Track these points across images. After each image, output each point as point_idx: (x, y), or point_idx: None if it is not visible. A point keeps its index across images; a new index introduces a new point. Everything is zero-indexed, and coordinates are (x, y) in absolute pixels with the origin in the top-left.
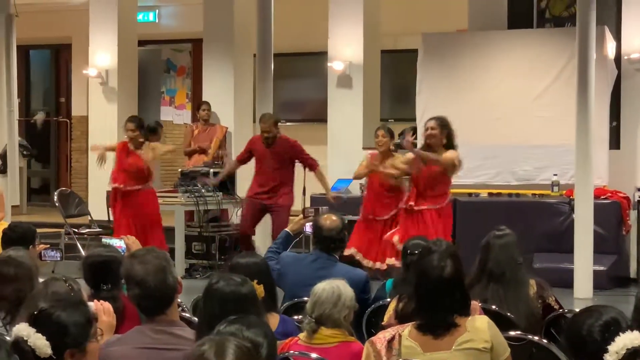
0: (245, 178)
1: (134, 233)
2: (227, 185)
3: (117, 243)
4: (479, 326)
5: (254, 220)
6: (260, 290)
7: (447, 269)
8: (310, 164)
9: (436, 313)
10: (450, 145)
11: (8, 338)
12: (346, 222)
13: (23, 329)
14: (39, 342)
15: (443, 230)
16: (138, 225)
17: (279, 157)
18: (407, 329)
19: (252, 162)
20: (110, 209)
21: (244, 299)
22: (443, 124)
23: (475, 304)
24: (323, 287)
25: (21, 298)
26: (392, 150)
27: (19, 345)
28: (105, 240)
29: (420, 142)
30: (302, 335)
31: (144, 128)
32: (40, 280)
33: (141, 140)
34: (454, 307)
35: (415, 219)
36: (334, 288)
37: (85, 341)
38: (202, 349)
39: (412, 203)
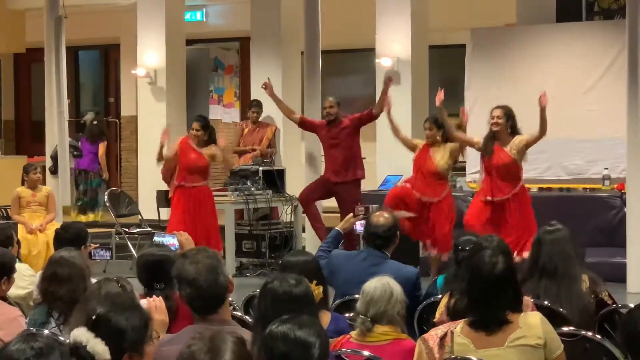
0: (294, 176)
1: (192, 230)
2: (276, 183)
3: (170, 240)
4: (531, 322)
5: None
6: (318, 291)
7: (498, 266)
8: (368, 115)
9: (489, 310)
10: (515, 133)
11: (62, 338)
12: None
13: (82, 334)
14: (99, 347)
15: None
16: (197, 221)
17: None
18: (459, 325)
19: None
20: (166, 207)
21: (297, 299)
22: (508, 113)
23: (528, 300)
24: (374, 285)
25: (74, 298)
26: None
27: (78, 350)
28: (158, 238)
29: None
30: (354, 333)
31: (209, 128)
32: (93, 280)
33: (205, 139)
34: (506, 303)
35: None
36: (384, 285)
37: (142, 344)
38: (192, 349)
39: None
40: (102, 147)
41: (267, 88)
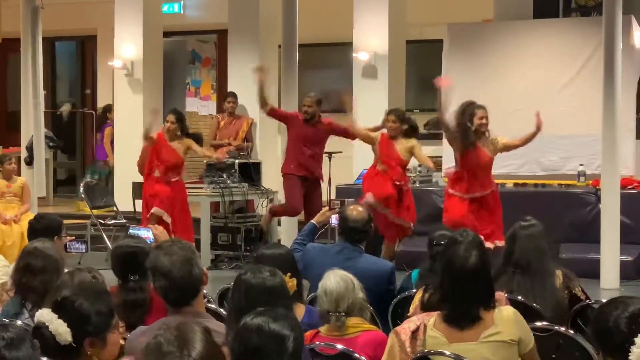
0: (270, 169)
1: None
2: (252, 176)
3: (145, 233)
4: (505, 318)
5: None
6: (292, 284)
7: (471, 259)
8: (345, 130)
9: (461, 303)
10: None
11: None
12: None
13: (45, 315)
14: (61, 328)
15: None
16: (170, 213)
17: (319, 137)
18: (433, 319)
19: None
20: (137, 198)
21: (270, 291)
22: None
23: (502, 295)
24: (335, 281)
25: (48, 289)
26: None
27: (40, 330)
28: (133, 230)
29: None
30: (323, 329)
31: (183, 122)
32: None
33: (178, 133)
34: (478, 297)
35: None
36: (343, 277)
37: (106, 331)
38: (159, 340)
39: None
40: (107, 132)
41: (262, 72)
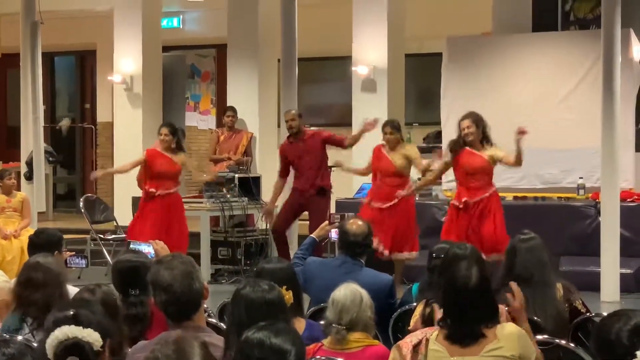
0: (270, 184)
1: (158, 233)
2: (252, 190)
3: (146, 248)
4: (508, 334)
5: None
6: (288, 296)
7: (472, 279)
8: (340, 140)
9: (463, 323)
10: (487, 139)
11: (35, 344)
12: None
13: (71, 330)
14: (93, 335)
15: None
16: (167, 229)
17: (311, 148)
18: (435, 332)
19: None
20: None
21: (270, 305)
22: (477, 120)
23: (503, 309)
24: (344, 293)
25: (49, 304)
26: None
27: (79, 345)
28: (134, 245)
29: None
30: (326, 341)
31: (177, 134)
32: (68, 286)
33: (173, 146)
34: (481, 316)
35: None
36: (353, 291)
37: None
38: (157, 355)
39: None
40: None
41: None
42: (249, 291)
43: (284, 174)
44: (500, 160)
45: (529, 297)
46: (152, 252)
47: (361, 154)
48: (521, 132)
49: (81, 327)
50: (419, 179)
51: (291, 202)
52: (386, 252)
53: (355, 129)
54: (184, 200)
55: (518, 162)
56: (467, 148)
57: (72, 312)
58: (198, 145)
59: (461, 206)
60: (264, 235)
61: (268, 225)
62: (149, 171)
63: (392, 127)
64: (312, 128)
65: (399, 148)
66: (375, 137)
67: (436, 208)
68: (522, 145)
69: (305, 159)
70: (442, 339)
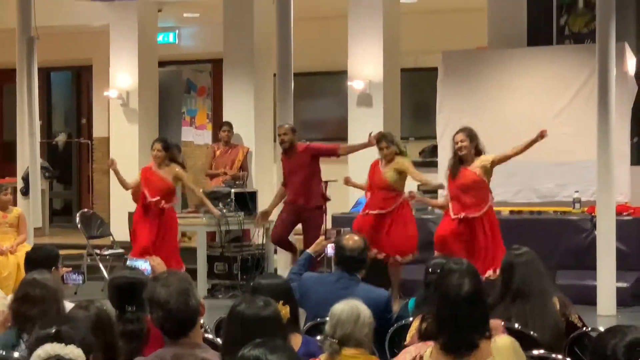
0: (266, 198)
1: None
2: (248, 205)
3: (142, 265)
4: (502, 347)
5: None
6: (285, 311)
7: (465, 287)
8: (331, 150)
9: (457, 332)
10: (478, 153)
11: None
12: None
13: (55, 348)
14: (76, 351)
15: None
16: (160, 243)
17: (301, 163)
18: (429, 349)
19: None
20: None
21: (265, 321)
22: (471, 135)
23: (498, 323)
24: (342, 308)
25: None
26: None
27: None
28: (130, 262)
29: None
30: (323, 357)
31: (170, 149)
32: (65, 302)
33: (166, 161)
34: (474, 325)
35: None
36: (352, 307)
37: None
38: None
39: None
40: None
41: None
42: (245, 308)
43: (284, 183)
44: (491, 164)
45: (527, 310)
46: (149, 268)
47: (359, 170)
48: (541, 137)
49: (63, 344)
50: (419, 187)
51: (285, 214)
52: (390, 258)
53: (351, 143)
54: (180, 215)
55: (522, 150)
56: (462, 167)
57: (54, 330)
58: (194, 160)
59: (456, 217)
60: (261, 250)
61: (260, 227)
62: (145, 189)
63: (386, 141)
64: (306, 142)
65: (394, 162)
66: (372, 151)
67: (432, 223)
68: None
69: (295, 174)
70: (436, 355)
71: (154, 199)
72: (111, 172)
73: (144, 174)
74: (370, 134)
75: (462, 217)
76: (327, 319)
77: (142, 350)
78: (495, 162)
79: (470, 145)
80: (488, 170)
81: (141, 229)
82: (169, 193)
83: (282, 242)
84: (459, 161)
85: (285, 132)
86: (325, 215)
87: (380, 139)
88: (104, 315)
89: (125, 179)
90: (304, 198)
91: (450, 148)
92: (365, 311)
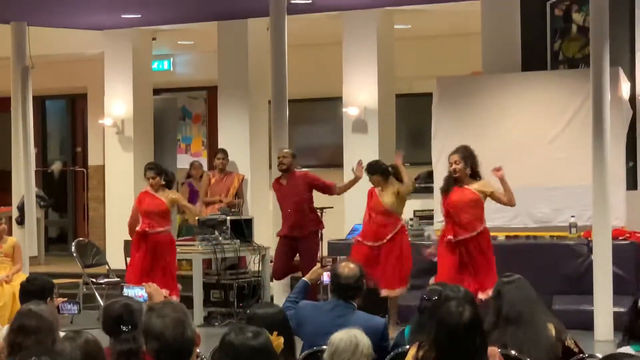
0: (262, 226)
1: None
2: (244, 232)
3: (139, 292)
4: None
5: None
6: (277, 342)
7: (465, 314)
8: (328, 186)
9: (457, 358)
10: (475, 174)
11: None
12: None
13: None
14: None
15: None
16: (156, 268)
17: (295, 190)
18: None
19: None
20: (129, 256)
21: (255, 351)
22: (465, 156)
23: (495, 350)
24: (340, 337)
25: None
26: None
27: None
28: (127, 290)
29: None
30: None
31: (163, 173)
32: (61, 333)
33: (162, 184)
34: (473, 353)
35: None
36: (351, 337)
37: None
38: None
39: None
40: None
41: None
42: (233, 337)
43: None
44: (489, 194)
45: (520, 336)
46: (145, 295)
47: (353, 198)
48: (496, 170)
49: None
50: (411, 218)
51: (282, 248)
52: (390, 291)
53: (347, 169)
54: (177, 244)
55: (509, 200)
56: (457, 186)
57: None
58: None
59: (452, 238)
60: (257, 277)
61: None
62: (140, 212)
63: (376, 171)
64: (303, 169)
65: (389, 187)
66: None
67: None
68: (506, 183)
69: (288, 200)
70: None
71: (149, 229)
72: (107, 199)
73: (139, 197)
74: (352, 169)
75: (456, 240)
76: (324, 347)
77: None
78: (493, 197)
79: (464, 167)
80: (485, 196)
81: (136, 255)
82: (163, 215)
83: (285, 276)
84: (453, 180)
85: (285, 155)
86: (321, 240)
87: (366, 169)
88: (92, 345)
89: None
90: (299, 229)
91: (446, 168)
92: (364, 341)
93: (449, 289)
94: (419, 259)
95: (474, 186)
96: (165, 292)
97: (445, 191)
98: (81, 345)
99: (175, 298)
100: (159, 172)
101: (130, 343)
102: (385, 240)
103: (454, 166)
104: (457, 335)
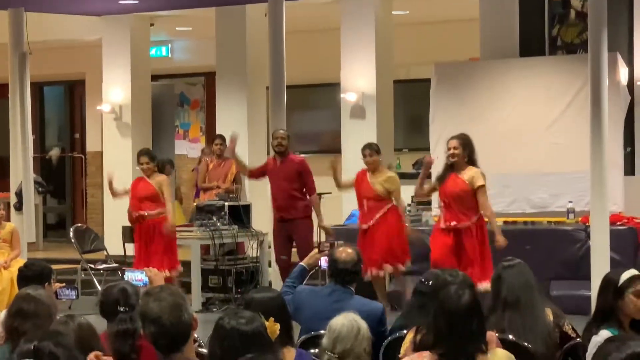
0: (260, 211)
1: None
2: (242, 218)
3: (139, 276)
4: None
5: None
6: (274, 329)
7: (464, 297)
8: (310, 188)
9: (455, 343)
10: (472, 162)
11: None
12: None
13: None
14: None
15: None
16: (156, 248)
17: (286, 174)
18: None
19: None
20: (132, 243)
21: (248, 336)
22: (464, 142)
23: (492, 335)
24: (342, 322)
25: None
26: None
27: None
28: (127, 273)
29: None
30: None
31: (156, 158)
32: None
33: (155, 170)
34: (473, 336)
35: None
36: (351, 321)
37: None
38: None
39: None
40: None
41: (231, 142)
42: (225, 322)
43: (254, 172)
44: (478, 189)
45: (518, 320)
46: (146, 279)
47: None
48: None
49: None
50: (409, 204)
51: (278, 233)
52: (374, 271)
53: (345, 155)
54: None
55: (488, 216)
56: (453, 173)
57: (32, 346)
58: (188, 173)
59: (445, 227)
60: (255, 262)
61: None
62: (134, 198)
63: (369, 148)
64: (301, 155)
65: (381, 173)
66: (357, 162)
67: (426, 235)
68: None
69: (281, 180)
70: None
71: (142, 211)
72: (105, 185)
73: (133, 183)
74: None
75: (452, 226)
76: (324, 332)
77: (136, 349)
78: (477, 194)
79: (462, 153)
80: (474, 189)
81: (135, 240)
82: (153, 199)
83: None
84: (449, 167)
85: (284, 136)
86: (312, 225)
87: (365, 147)
88: (85, 329)
89: (117, 188)
90: (286, 211)
91: (444, 154)
92: (364, 326)
93: (448, 273)
94: (416, 245)
95: (467, 176)
96: (165, 273)
97: (442, 180)
98: (74, 329)
99: (175, 273)
100: (152, 157)
101: (127, 323)
102: (373, 221)
103: (452, 151)
104: (455, 319)
